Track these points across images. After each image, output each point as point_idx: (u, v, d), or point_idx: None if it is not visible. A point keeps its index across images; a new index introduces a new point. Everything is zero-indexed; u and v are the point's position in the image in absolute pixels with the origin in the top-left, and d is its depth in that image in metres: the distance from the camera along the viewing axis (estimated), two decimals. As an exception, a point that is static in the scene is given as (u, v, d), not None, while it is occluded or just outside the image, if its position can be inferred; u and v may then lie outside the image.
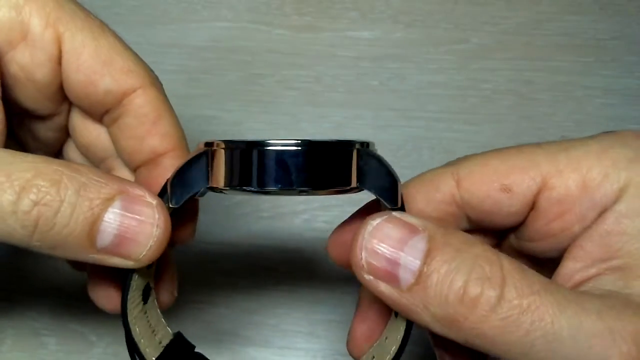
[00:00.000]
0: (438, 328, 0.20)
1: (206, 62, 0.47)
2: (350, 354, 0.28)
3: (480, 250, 0.20)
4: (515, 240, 0.27)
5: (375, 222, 0.21)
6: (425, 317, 0.20)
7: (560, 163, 0.24)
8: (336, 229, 0.27)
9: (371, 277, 0.20)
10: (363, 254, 0.20)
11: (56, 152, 0.31)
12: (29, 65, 0.26)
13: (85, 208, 0.21)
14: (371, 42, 0.49)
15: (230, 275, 0.41)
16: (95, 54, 0.26)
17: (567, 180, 0.24)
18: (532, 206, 0.25)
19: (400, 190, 0.22)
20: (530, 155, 0.25)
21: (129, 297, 0.24)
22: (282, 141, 0.21)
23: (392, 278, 0.20)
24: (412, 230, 0.20)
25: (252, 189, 0.21)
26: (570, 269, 0.23)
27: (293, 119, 0.46)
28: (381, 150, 0.26)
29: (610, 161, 0.23)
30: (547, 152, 0.24)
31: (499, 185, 0.24)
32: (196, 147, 0.23)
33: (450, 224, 0.26)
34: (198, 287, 0.39)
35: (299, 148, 0.21)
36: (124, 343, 0.24)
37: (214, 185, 0.23)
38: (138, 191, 0.22)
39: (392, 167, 0.23)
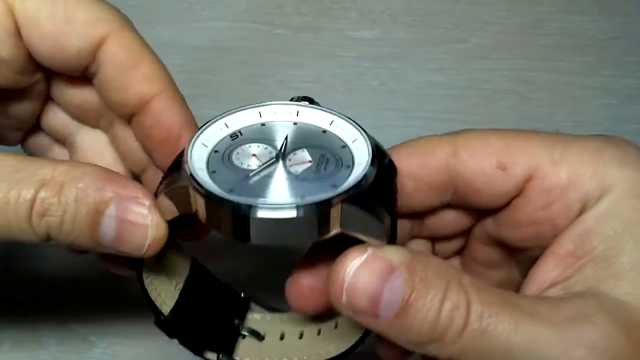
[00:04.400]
0: (411, 348, 0.22)
1: (206, 62, 0.47)
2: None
3: (450, 278, 0.21)
4: (494, 225, 0.27)
5: (354, 264, 0.21)
6: (400, 341, 0.22)
7: (555, 154, 0.24)
8: (294, 275, 0.27)
9: (351, 312, 0.21)
10: (344, 295, 0.21)
11: (31, 126, 0.30)
12: None
13: (84, 214, 0.23)
14: (371, 42, 0.49)
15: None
16: (53, 16, 0.25)
17: (560, 171, 0.24)
18: (520, 191, 0.25)
19: (386, 229, 0.22)
20: (528, 140, 0.25)
21: (144, 267, 0.25)
22: (270, 206, 0.20)
23: (373, 314, 0.21)
24: (390, 269, 0.21)
25: (231, 238, 0.22)
26: (547, 267, 0.24)
27: (293, 119, 0.46)
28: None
29: (602, 160, 0.24)
30: (545, 140, 0.25)
31: (495, 162, 0.25)
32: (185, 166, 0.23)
33: (437, 194, 0.26)
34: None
35: (290, 214, 0.20)
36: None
37: (198, 217, 0.22)
38: (132, 192, 0.23)
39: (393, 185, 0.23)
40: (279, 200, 0.21)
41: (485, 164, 0.25)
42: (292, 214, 0.20)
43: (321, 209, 0.21)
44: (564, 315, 0.21)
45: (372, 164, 0.22)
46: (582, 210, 0.24)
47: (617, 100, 0.46)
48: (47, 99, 0.29)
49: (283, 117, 0.25)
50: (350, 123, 0.24)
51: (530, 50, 0.48)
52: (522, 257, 0.28)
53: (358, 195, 0.21)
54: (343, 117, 0.24)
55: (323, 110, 0.25)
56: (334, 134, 0.24)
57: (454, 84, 0.47)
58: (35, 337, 0.37)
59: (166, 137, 0.26)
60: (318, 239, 0.21)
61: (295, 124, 0.25)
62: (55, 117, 0.29)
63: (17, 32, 0.25)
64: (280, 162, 0.23)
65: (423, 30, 0.49)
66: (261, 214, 0.20)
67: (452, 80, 0.47)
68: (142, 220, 0.23)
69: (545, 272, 0.24)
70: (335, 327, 0.27)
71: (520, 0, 0.50)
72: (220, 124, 0.24)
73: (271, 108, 0.25)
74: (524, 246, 0.26)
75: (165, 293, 0.27)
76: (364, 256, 0.21)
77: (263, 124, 0.25)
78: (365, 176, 0.22)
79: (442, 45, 0.48)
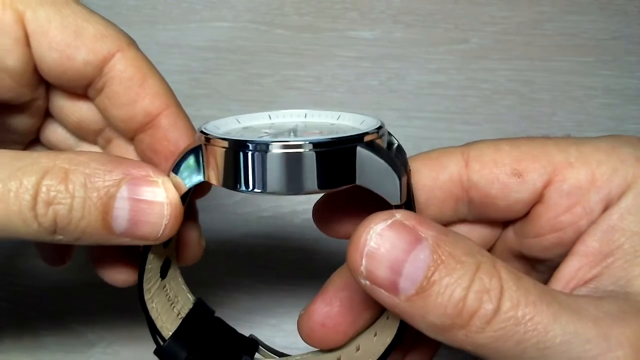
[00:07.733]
0: (432, 334, 0.20)
1: (206, 62, 0.47)
2: (302, 336, 0.27)
3: (480, 260, 0.20)
4: (514, 237, 0.27)
5: (378, 227, 0.19)
6: (420, 324, 0.20)
7: (571, 156, 0.24)
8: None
9: (368, 283, 0.20)
10: (364, 261, 0.19)
11: (32, 139, 0.30)
12: None
13: (94, 199, 0.22)
14: (371, 42, 0.49)
15: (231, 274, 0.41)
16: (63, 27, 0.25)
17: (579, 172, 0.24)
18: (540, 198, 0.24)
19: (403, 187, 0.21)
20: (542, 145, 0.25)
21: (145, 278, 0.24)
22: (286, 143, 0.20)
23: (392, 287, 0.19)
24: (417, 238, 0.19)
25: (256, 191, 0.21)
26: (573, 267, 0.23)
27: (293, 118, 0.46)
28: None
29: (619, 158, 0.23)
30: (558, 144, 0.25)
31: (510, 169, 0.24)
32: (197, 134, 0.23)
33: (451, 207, 0.26)
34: (198, 286, 0.39)
35: (305, 150, 0.20)
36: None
37: (212, 183, 0.22)
38: (142, 171, 0.22)
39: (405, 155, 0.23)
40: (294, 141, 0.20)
41: (500, 171, 0.24)
42: (307, 149, 0.20)
43: (335, 149, 0.20)
44: (605, 311, 0.20)
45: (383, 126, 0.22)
46: (604, 210, 0.23)
47: (617, 100, 0.46)
48: (47, 114, 0.29)
49: (292, 118, 0.25)
50: (357, 113, 0.24)
51: (530, 50, 0.48)
52: (542, 268, 0.27)
53: (373, 142, 0.21)
54: (350, 112, 0.24)
55: (329, 111, 0.25)
56: (343, 123, 0.24)
57: (453, 84, 0.47)
58: (35, 337, 0.38)
59: (173, 152, 0.26)
60: (332, 187, 0.21)
61: (304, 122, 0.25)
62: (55, 133, 0.29)
63: (26, 41, 0.25)
64: (293, 134, 0.23)
65: (423, 30, 0.49)
66: (279, 149, 0.20)
67: (452, 80, 0.47)
68: (156, 198, 0.22)
69: (571, 272, 0.23)
70: None
71: (520, 0, 0.50)
72: (231, 118, 0.24)
73: (280, 112, 0.25)
74: (546, 257, 0.25)
75: (166, 316, 0.26)
76: (390, 220, 0.20)
77: (272, 123, 0.25)
78: (380, 128, 0.21)
79: (442, 45, 0.48)
